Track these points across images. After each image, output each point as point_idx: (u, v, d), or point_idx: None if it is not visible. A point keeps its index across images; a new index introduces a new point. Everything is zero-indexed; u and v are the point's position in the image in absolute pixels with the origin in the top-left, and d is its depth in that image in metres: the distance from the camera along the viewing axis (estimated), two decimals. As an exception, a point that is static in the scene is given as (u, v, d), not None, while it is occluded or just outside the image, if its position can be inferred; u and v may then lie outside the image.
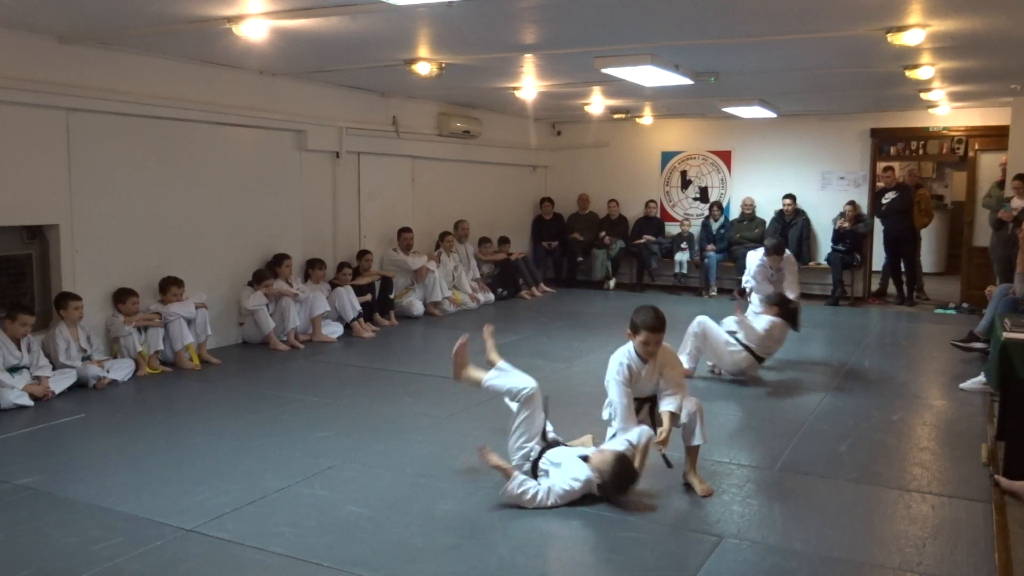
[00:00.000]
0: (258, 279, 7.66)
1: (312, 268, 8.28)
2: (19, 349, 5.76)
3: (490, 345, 4.47)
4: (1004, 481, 4.20)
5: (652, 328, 4.13)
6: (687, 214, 12.30)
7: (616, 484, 3.92)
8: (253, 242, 7.93)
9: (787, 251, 7.81)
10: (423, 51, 6.65)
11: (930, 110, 10.42)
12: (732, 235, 11.63)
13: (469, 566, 3.35)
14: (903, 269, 10.85)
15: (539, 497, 3.88)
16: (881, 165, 11.46)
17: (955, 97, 9.59)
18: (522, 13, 5.36)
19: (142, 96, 6.73)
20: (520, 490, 3.87)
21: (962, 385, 6.25)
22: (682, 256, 11.75)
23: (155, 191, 7.02)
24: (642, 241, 11.88)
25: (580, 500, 3.99)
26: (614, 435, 4.20)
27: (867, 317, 9.99)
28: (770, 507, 4.01)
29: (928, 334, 9.01)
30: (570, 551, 3.55)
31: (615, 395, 4.21)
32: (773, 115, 10.69)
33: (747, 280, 7.79)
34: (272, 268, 7.86)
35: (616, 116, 11.40)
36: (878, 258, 11.50)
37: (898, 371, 7.07)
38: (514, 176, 12.42)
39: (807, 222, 11.35)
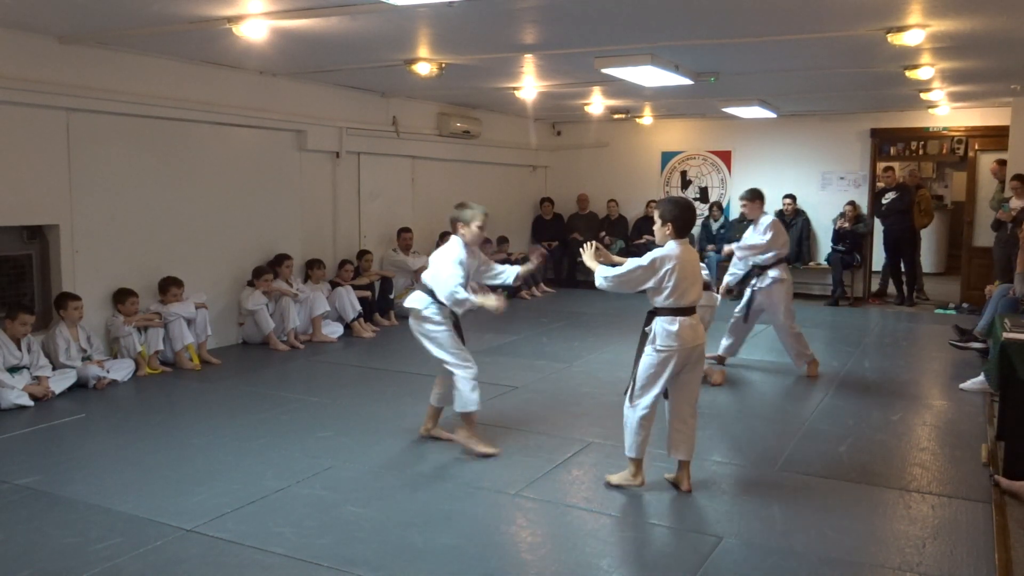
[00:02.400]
0: (257, 275, 7.66)
1: (312, 268, 8.28)
2: (19, 349, 5.76)
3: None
4: (1004, 481, 4.20)
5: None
6: (687, 214, 12.28)
7: None
8: (253, 242, 7.93)
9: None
10: (423, 51, 6.65)
11: (930, 110, 10.42)
12: (732, 235, 11.60)
13: (469, 566, 3.35)
14: (903, 269, 10.85)
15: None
16: (881, 165, 11.46)
17: (955, 97, 9.59)
18: (522, 13, 5.36)
19: (142, 96, 6.73)
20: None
21: (962, 385, 6.25)
22: (682, 256, 11.72)
23: (155, 191, 7.02)
24: (642, 241, 11.85)
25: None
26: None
27: (867, 317, 9.99)
28: (770, 507, 4.00)
29: (928, 334, 9.00)
30: (570, 551, 3.54)
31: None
32: (773, 115, 10.69)
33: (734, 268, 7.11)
34: (273, 268, 7.86)
35: (616, 116, 11.39)
36: (878, 258, 11.50)
37: (898, 371, 7.07)
38: (514, 176, 12.42)
39: (807, 222, 11.36)
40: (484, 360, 7.12)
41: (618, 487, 4.17)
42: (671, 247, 4.05)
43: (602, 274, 4.13)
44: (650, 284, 4.01)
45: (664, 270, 3.98)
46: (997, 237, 8.95)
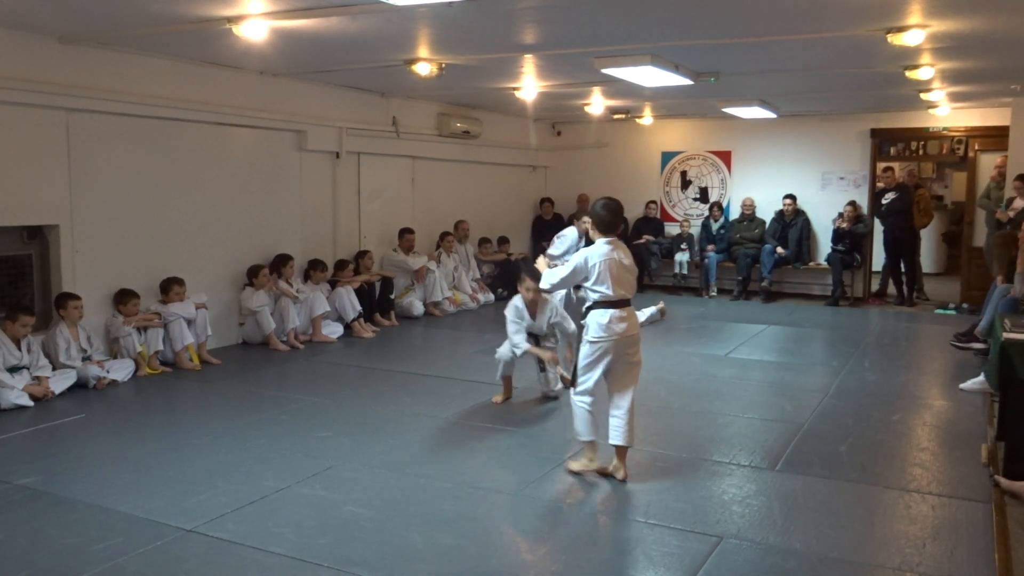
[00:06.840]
0: (253, 273, 7.64)
1: (312, 269, 8.28)
2: (19, 349, 5.76)
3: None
4: (1004, 481, 4.20)
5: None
6: (687, 214, 12.30)
7: None
8: (253, 242, 7.93)
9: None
10: (423, 51, 6.64)
11: (930, 110, 10.41)
12: (732, 235, 11.63)
13: (469, 566, 3.35)
14: (903, 269, 10.85)
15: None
16: (881, 165, 11.45)
17: (955, 97, 9.59)
18: (522, 13, 5.36)
19: (142, 96, 6.73)
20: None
21: (962, 385, 6.25)
22: (682, 256, 11.75)
23: (155, 191, 7.02)
24: (642, 241, 11.88)
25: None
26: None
27: (867, 317, 9.99)
28: (770, 507, 4.01)
29: (928, 334, 9.00)
30: (570, 551, 3.54)
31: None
32: (773, 115, 10.68)
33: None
34: (277, 268, 7.85)
35: (616, 116, 11.39)
36: (878, 258, 11.50)
37: (898, 371, 7.07)
38: (514, 176, 12.42)
39: (807, 222, 11.35)
40: (485, 360, 7.14)
41: (578, 473, 4.38)
42: (599, 245, 4.29)
43: (547, 280, 4.54)
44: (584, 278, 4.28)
45: (591, 265, 4.22)
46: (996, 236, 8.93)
